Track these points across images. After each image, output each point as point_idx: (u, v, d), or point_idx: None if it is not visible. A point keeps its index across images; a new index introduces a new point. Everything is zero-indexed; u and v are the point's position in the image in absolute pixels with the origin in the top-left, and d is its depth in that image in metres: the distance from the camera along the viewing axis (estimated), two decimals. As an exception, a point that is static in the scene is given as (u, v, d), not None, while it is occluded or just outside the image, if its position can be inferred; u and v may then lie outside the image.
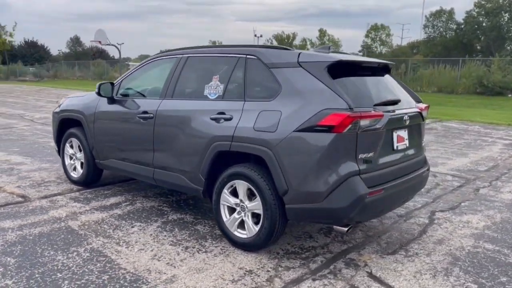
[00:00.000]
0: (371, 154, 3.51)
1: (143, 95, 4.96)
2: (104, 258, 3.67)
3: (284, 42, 69.98)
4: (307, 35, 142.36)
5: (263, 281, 3.36)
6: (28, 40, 70.47)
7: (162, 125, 4.42)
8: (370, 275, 3.52)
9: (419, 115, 4.13)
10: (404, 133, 3.92)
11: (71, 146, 5.76)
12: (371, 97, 3.75)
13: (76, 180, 5.74)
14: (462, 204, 5.45)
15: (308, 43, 74.28)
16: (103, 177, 5.84)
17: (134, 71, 5.14)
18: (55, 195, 5.39)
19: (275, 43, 64.63)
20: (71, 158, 5.82)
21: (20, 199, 5.21)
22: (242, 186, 3.81)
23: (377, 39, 73.81)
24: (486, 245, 4.15)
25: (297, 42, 73.48)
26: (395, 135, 3.79)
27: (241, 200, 3.85)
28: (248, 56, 3.98)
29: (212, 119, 3.96)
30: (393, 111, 3.74)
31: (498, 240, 4.28)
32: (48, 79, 46.52)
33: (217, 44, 30.47)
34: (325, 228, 4.47)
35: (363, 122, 3.38)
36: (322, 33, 77.35)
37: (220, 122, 3.89)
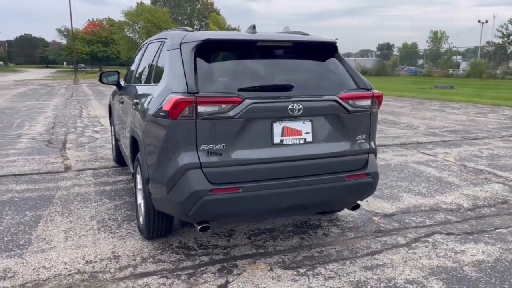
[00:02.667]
0: (219, 146, 2.94)
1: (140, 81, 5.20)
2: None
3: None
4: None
5: (116, 268, 3.24)
6: None
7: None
8: (225, 285, 3.00)
9: (337, 106, 3.23)
10: (300, 126, 3.15)
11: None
12: (243, 81, 3.11)
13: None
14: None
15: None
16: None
17: (135, 56, 5.41)
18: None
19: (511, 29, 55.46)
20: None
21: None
22: (138, 171, 3.72)
23: None
24: None
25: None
26: (278, 126, 3.08)
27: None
28: (163, 40, 3.82)
29: (133, 104, 3.95)
30: (274, 97, 3.05)
31: None
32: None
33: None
34: (257, 229, 3.95)
35: (203, 108, 2.87)
36: None
37: (134, 108, 3.85)
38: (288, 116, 3.08)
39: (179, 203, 2.97)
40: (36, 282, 3.03)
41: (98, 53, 75.06)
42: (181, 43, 3.28)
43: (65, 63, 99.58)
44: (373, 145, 3.49)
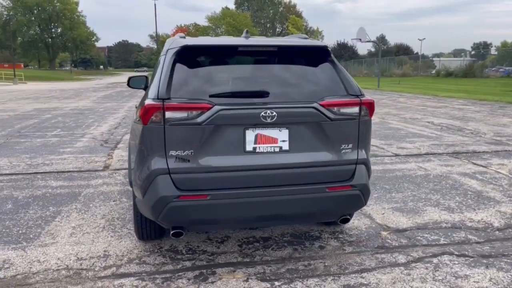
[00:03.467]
0: (187, 152, 2.92)
1: None
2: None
3: None
4: None
5: (101, 267, 3.35)
6: (340, 42, 77.44)
7: None
8: (193, 293, 2.99)
9: (317, 113, 3.05)
10: (275, 133, 3.02)
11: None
12: (217, 87, 3.06)
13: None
14: None
15: None
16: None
17: None
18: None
19: None
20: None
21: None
22: None
23: None
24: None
25: None
26: (251, 134, 2.99)
27: None
28: None
29: None
30: (246, 104, 2.97)
31: None
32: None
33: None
34: (251, 237, 3.87)
35: (171, 114, 2.87)
36: None
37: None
38: (261, 124, 2.98)
39: (150, 207, 3.01)
40: (26, 274, 3.25)
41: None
42: (167, 50, 3.32)
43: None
44: (363, 156, 3.25)
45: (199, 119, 2.89)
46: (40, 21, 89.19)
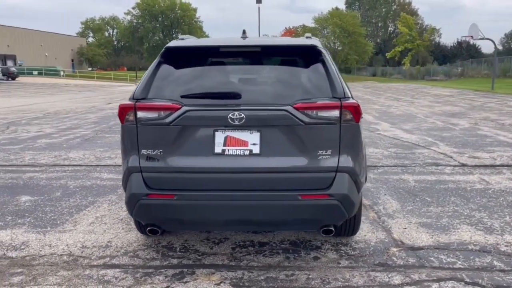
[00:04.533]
0: (156, 152, 2.97)
1: None
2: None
3: None
4: None
5: (97, 256, 3.57)
6: (461, 40, 71.87)
7: None
8: (161, 290, 3.04)
9: (289, 116, 2.88)
10: (246, 136, 2.92)
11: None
12: (191, 88, 3.04)
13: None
14: None
15: None
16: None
17: None
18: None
19: None
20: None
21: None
22: None
23: None
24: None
25: None
26: (220, 135, 2.93)
27: None
28: None
29: None
30: (214, 105, 2.93)
31: None
32: (456, 78, 46.70)
33: None
34: (249, 240, 3.79)
35: (143, 114, 2.96)
36: None
37: None
38: (231, 126, 2.91)
39: (126, 203, 3.14)
40: (34, 256, 3.59)
41: (291, 58, 79.67)
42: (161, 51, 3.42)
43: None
44: (347, 163, 2.98)
45: (168, 120, 2.93)
46: (163, 27, 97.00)
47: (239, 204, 2.96)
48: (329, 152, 2.94)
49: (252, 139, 2.94)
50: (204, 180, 2.97)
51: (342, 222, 3.20)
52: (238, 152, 2.95)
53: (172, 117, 2.92)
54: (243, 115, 2.87)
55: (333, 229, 3.14)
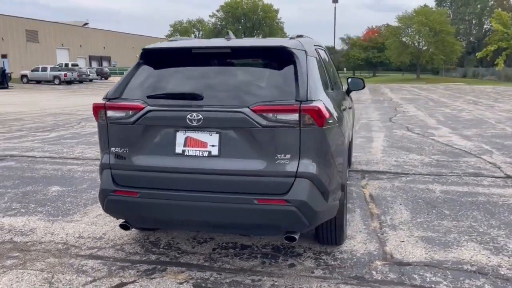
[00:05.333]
0: (123, 150, 3.06)
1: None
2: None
3: None
4: None
5: (88, 247, 3.77)
6: None
7: None
8: (124, 284, 3.14)
9: (245, 118, 2.82)
10: (205, 137, 2.91)
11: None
12: (157, 88, 3.09)
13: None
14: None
15: None
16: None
17: None
18: None
19: None
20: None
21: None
22: None
23: None
24: None
25: None
26: (181, 136, 2.95)
27: None
28: None
29: None
30: (174, 106, 2.97)
31: None
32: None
33: None
34: (232, 242, 3.76)
35: (112, 113, 3.08)
36: None
37: None
38: (190, 126, 2.92)
39: (98, 197, 3.28)
40: (34, 242, 3.89)
41: (372, 58, 77.23)
42: None
43: (345, 69, 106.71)
44: (308, 169, 2.84)
45: (132, 119, 3.02)
46: (246, 29, 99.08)
47: (197, 205, 2.96)
48: (287, 156, 2.83)
49: (212, 140, 2.92)
50: (165, 179, 3.01)
51: (305, 230, 3.07)
52: (197, 153, 2.95)
53: (136, 117, 3.01)
54: (201, 116, 2.87)
55: (296, 236, 3.01)
